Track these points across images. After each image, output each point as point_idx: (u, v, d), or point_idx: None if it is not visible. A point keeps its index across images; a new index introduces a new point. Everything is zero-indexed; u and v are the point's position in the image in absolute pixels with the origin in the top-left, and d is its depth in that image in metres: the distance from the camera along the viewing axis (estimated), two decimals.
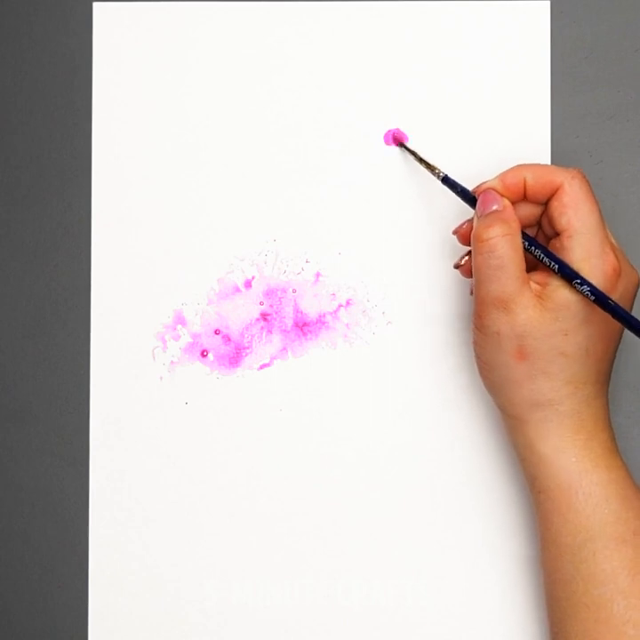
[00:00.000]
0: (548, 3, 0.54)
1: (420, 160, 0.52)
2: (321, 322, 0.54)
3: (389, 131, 0.54)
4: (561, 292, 0.46)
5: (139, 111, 0.55)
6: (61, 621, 0.54)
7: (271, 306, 0.54)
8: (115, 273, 0.55)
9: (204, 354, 0.54)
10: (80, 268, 0.55)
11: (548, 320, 0.46)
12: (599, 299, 0.45)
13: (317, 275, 0.54)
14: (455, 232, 0.50)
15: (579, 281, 0.46)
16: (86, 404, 0.54)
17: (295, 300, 0.54)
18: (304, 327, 0.54)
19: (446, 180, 0.51)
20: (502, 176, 0.49)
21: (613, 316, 0.45)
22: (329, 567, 0.54)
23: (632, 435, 0.53)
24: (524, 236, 0.48)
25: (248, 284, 0.54)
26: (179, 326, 0.54)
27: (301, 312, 0.54)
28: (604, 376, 0.48)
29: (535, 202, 0.49)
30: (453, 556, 0.53)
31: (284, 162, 0.54)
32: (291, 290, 0.54)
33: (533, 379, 0.46)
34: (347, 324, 0.54)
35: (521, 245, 0.47)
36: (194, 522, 0.54)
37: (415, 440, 0.54)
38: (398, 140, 0.54)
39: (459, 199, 0.50)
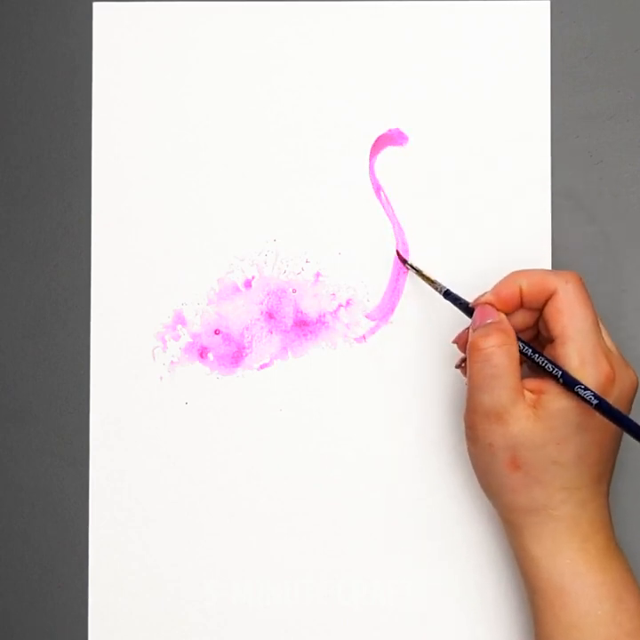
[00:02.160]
0: (548, 3, 0.54)
1: (423, 277, 0.52)
2: (321, 322, 0.54)
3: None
4: (557, 401, 0.46)
5: (139, 111, 0.55)
6: (61, 621, 0.54)
7: (271, 306, 0.54)
8: (115, 273, 0.55)
9: (203, 354, 0.54)
10: (80, 268, 0.55)
11: (540, 430, 0.46)
12: (602, 404, 0.44)
13: (317, 275, 0.54)
14: (455, 341, 0.50)
15: (582, 387, 0.45)
16: (86, 404, 0.54)
17: (295, 300, 0.54)
18: (304, 327, 0.54)
19: (448, 294, 0.51)
20: (497, 289, 0.48)
21: (614, 422, 0.44)
22: (329, 567, 0.54)
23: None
24: (526, 344, 0.47)
25: (248, 284, 0.54)
26: (179, 326, 0.54)
27: (301, 312, 0.54)
28: (600, 478, 0.47)
29: (532, 308, 0.48)
30: (453, 555, 0.53)
31: (284, 162, 0.54)
32: (291, 290, 0.54)
33: (528, 487, 0.46)
34: (347, 324, 0.54)
35: (517, 356, 0.47)
36: (194, 522, 0.54)
37: (415, 440, 0.54)
38: (402, 259, 0.53)
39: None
